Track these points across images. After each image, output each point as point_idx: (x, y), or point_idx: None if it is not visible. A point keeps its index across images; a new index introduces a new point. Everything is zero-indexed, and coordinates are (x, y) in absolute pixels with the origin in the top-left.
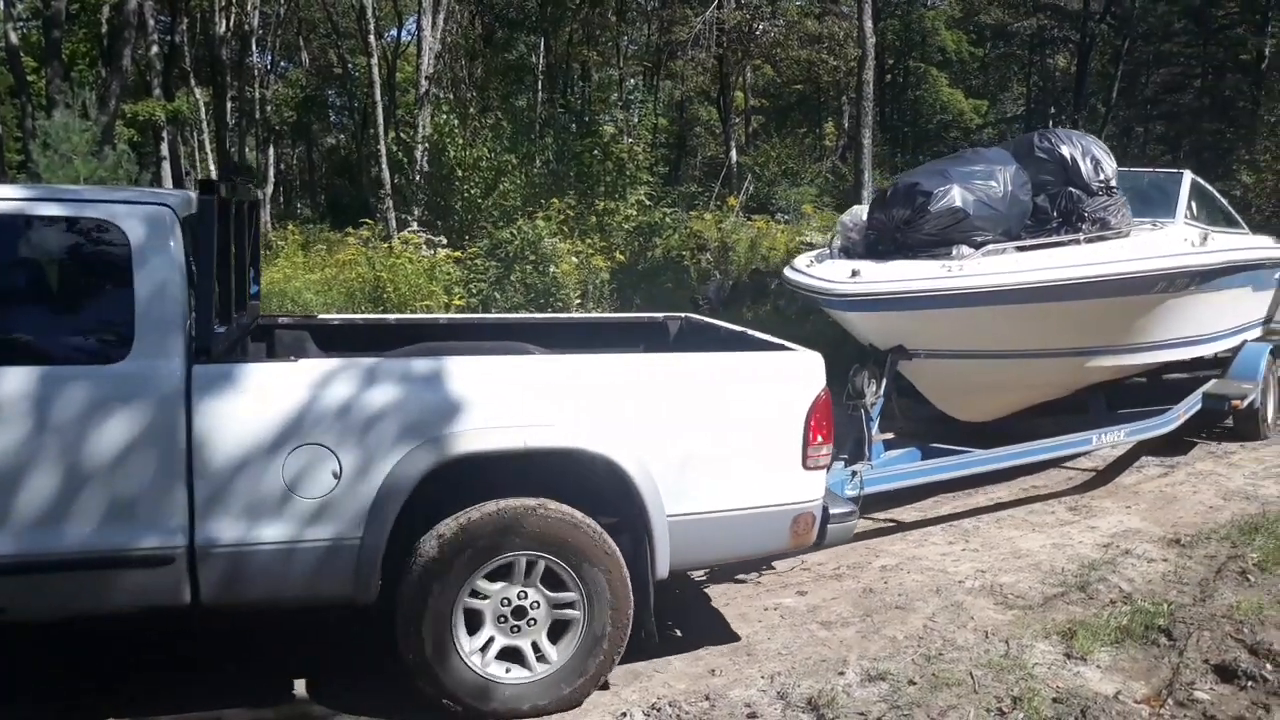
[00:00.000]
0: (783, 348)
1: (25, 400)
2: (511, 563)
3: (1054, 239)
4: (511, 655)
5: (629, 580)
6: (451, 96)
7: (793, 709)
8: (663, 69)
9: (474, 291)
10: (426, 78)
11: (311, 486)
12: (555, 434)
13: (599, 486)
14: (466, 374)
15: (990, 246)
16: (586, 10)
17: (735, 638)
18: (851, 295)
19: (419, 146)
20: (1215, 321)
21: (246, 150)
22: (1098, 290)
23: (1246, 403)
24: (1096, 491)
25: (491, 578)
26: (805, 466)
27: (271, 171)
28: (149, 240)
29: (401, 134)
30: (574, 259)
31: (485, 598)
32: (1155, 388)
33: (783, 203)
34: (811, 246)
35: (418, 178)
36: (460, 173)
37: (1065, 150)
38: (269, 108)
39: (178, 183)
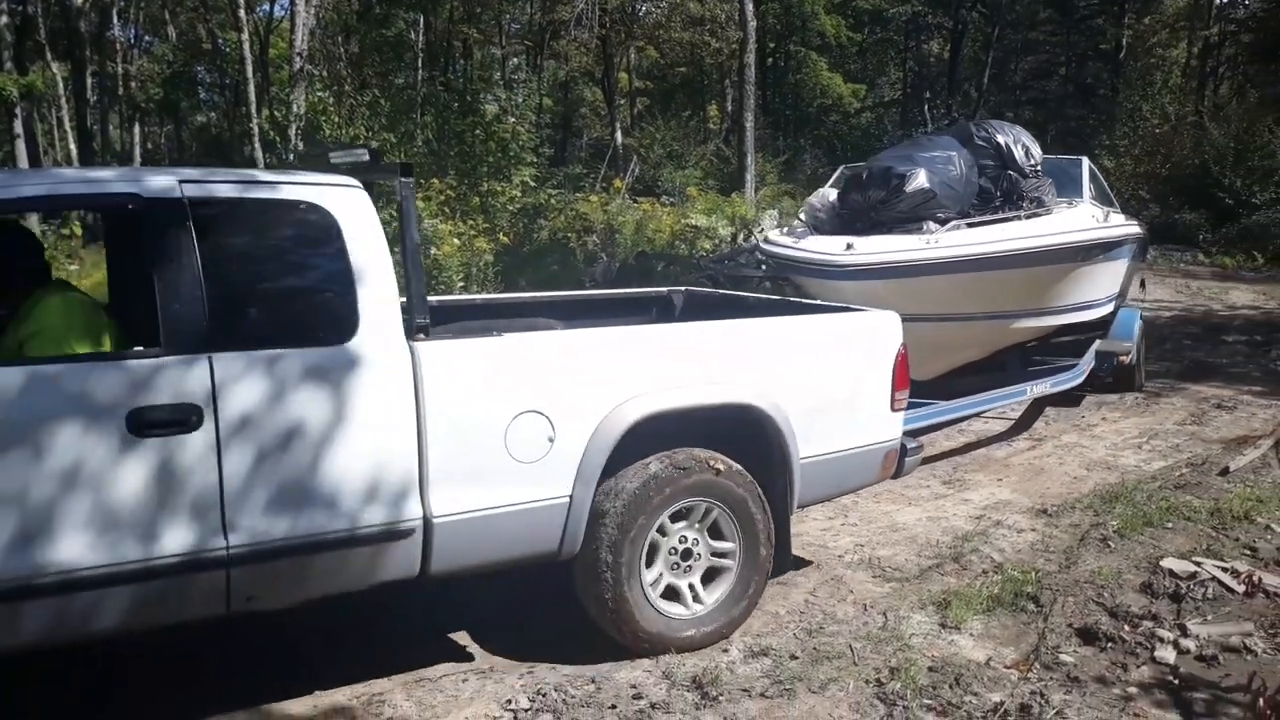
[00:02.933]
0: (858, 310)
1: (269, 384)
2: (691, 507)
3: (1000, 216)
4: (672, 594)
5: (773, 523)
6: (326, 73)
7: (678, 688)
8: (546, 48)
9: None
10: (300, 54)
11: (529, 451)
12: (728, 391)
13: (753, 436)
14: (655, 340)
15: (953, 223)
16: None
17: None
18: (849, 266)
19: (293, 125)
20: (1104, 289)
21: (110, 128)
22: (1039, 259)
23: (1130, 359)
24: (969, 465)
25: (673, 518)
26: (891, 409)
27: (137, 150)
28: (356, 220)
29: (275, 112)
30: (456, 241)
31: (664, 535)
32: (1047, 349)
33: (668, 185)
34: (696, 229)
35: (292, 157)
36: None
37: (1000, 138)
38: (133, 84)
39: (34, 163)
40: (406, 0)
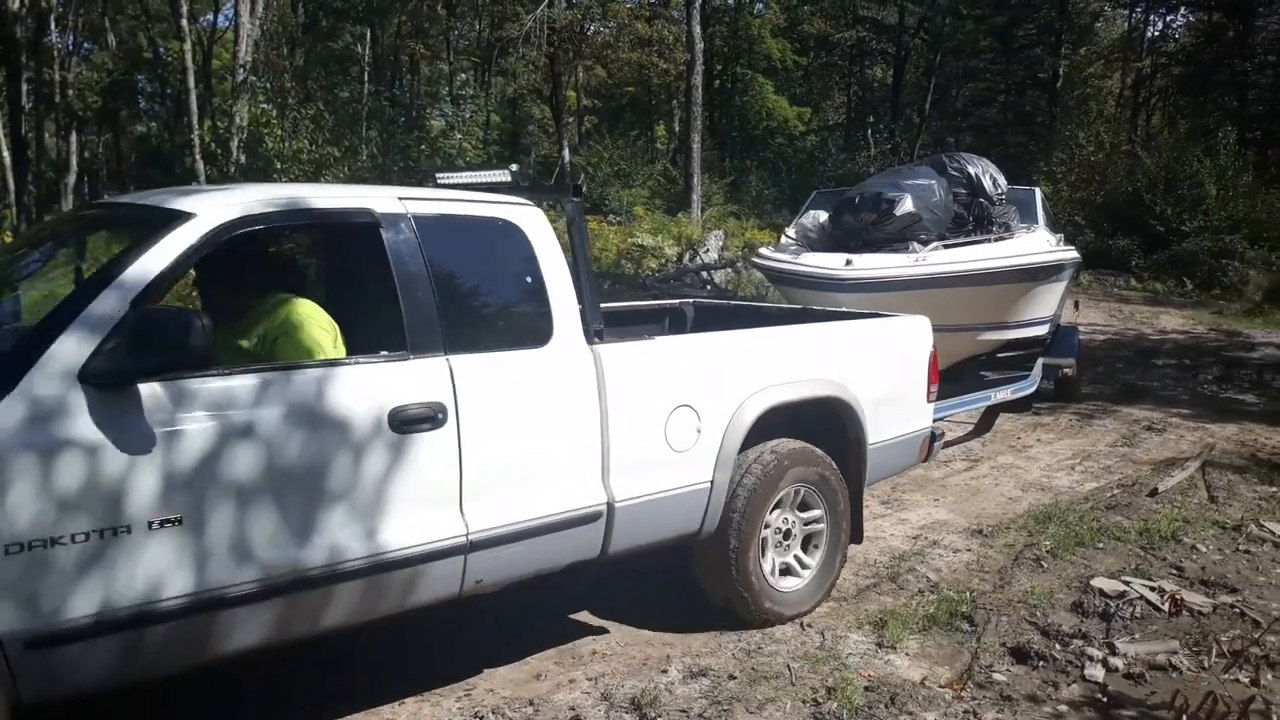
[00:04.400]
0: (893, 315)
1: (494, 383)
2: (794, 491)
3: (973, 239)
4: (777, 570)
5: (850, 502)
6: (268, 86)
7: (616, 710)
8: (494, 65)
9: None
10: (243, 65)
11: (682, 441)
12: (824, 385)
13: (836, 425)
14: (770, 341)
15: (933, 244)
16: (415, 2)
17: (561, 641)
18: (850, 279)
19: (235, 137)
20: (1050, 307)
21: (45, 136)
22: (1006, 277)
23: (1072, 371)
24: (907, 485)
25: (776, 502)
26: (927, 400)
27: (74, 160)
28: (543, 237)
29: (218, 124)
30: None
31: (767, 525)
32: (994, 364)
33: (615, 203)
34: (643, 248)
35: (233, 170)
36: (279, 165)
37: (971, 169)
38: (70, 92)
39: None
40: (354, 13)
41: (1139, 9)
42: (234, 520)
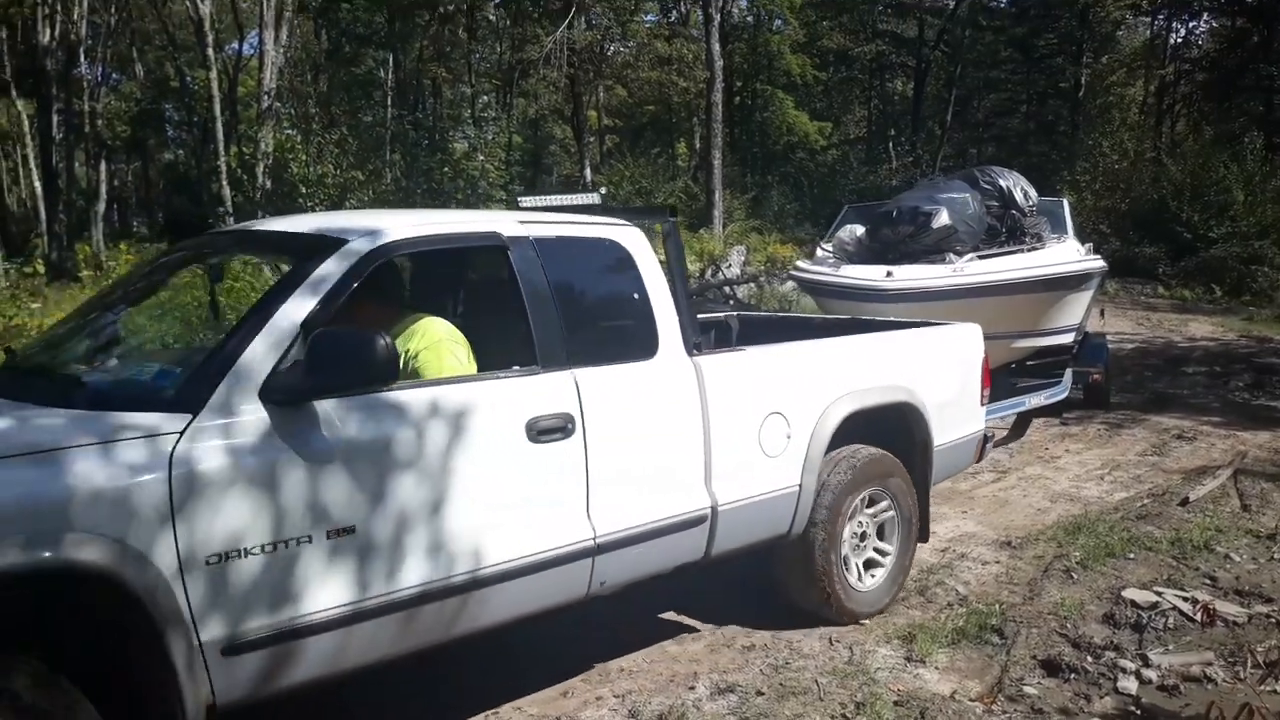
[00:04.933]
0: (947, 323)
1: (614, 395)
2: (870, 494)
3: (1007, 249)
4: (854, 569)
5: (918, 503)
6: (293, 112)
7: None
8: (515, 87)
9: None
10: (268, 92)
11: (774, 446)
12: (898, 392)
13: (906, 428)
14: (849, 350)
15: (968, 255)
16: (436, 27)
17: (588, 659)
18: (893, 290)
19: (260, 163)
20: (1079, 315)
21: (76, 165)
22: (1040, 286)
23: (1100, 378)
24: (935, 497)
25: (856, 508)
26: (981, 404)
27: (104, 188)
28: (644, 255)
29: (243, 150)
30: None
31: (846, 527)
32: (1023, 371)
33: None
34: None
35: (259, 195)
36: (304, 190)
37: (1003, 182)
38: (100, 122)
39: None
40: (376, 39)
41: (1161, 16)
42: (398, 528)
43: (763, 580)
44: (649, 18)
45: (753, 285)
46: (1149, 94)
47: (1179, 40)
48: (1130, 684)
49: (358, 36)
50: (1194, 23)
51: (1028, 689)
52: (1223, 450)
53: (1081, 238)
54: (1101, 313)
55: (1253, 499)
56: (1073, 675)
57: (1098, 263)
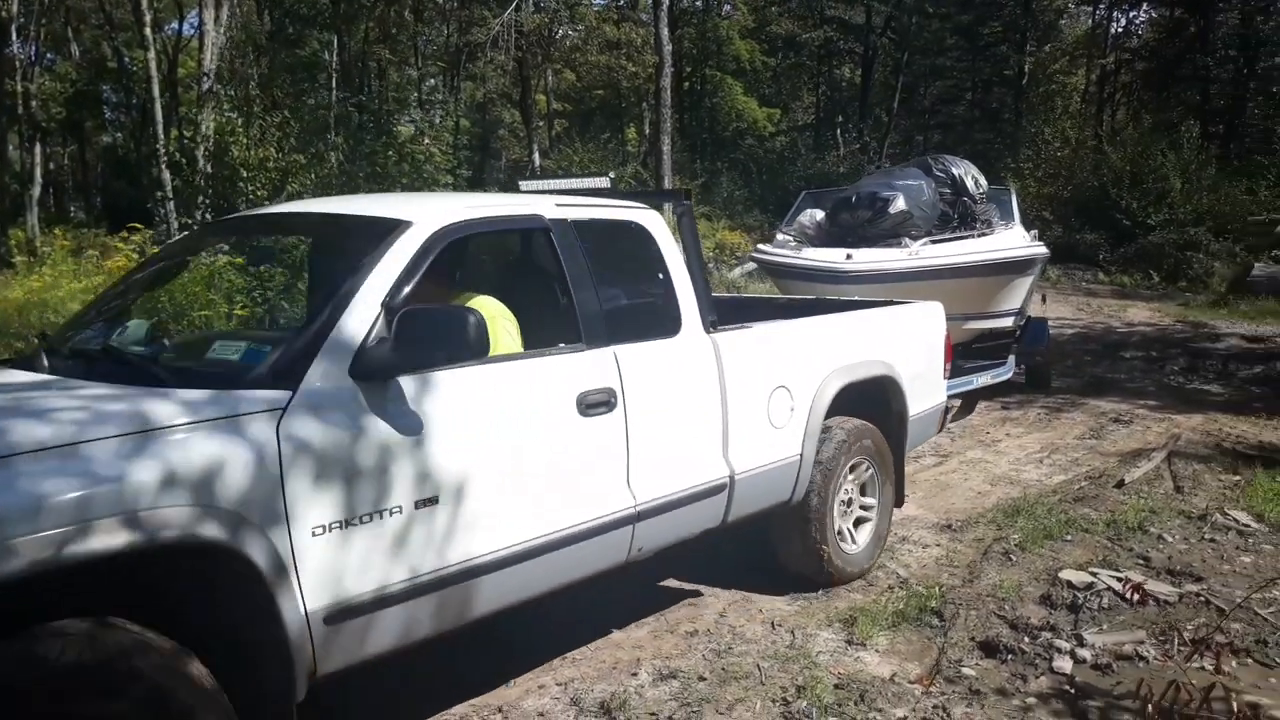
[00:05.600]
0: (911, 302)
1: (649, 370)
2: (855, 462)
3: (959, 234)
4: (843, 535)
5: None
6: (234, 94)
7: (585, 714)
8: (462, 70)
9: (259, 300)
10: (208, 73)
11: (780, 418)
12: (882, 365)
13: (885, 399)
14: (840, 327)
15: (923, 239)
16: (382, 8)
17: (532, 649)
18: (853, 272)
19: (200, 146)
20: (1022, 299)
21: (9, 148)
22: (991, 270)
23: (1044, 359)
24: None
25: (845, 475)
26: (944, 377)
27: (38, 172)
28: (665, 237)
29: (184, 132)
30: None
31: (837, 493)
32: (969, 353)
33: None
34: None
35: (199, 179)
36: (245, 174)
37: (955, 170)
38: (34, 103)
39: None
40: (320, 20)
41: (1102, 6)
42: (474, 498)
43: (757, 548)
44: (598, 1)
45: None
46: (1090, 82)
47: (1119, 30)
48: (1065, 664)
49: (301, 17)
50: (1134, 12)
51: (966, 670)
52: (1157, 433)
53: (1026, 224)
54: (1043, 297)
55: (1185, 480)
56: (1010, 656)
57: (1041, 249)
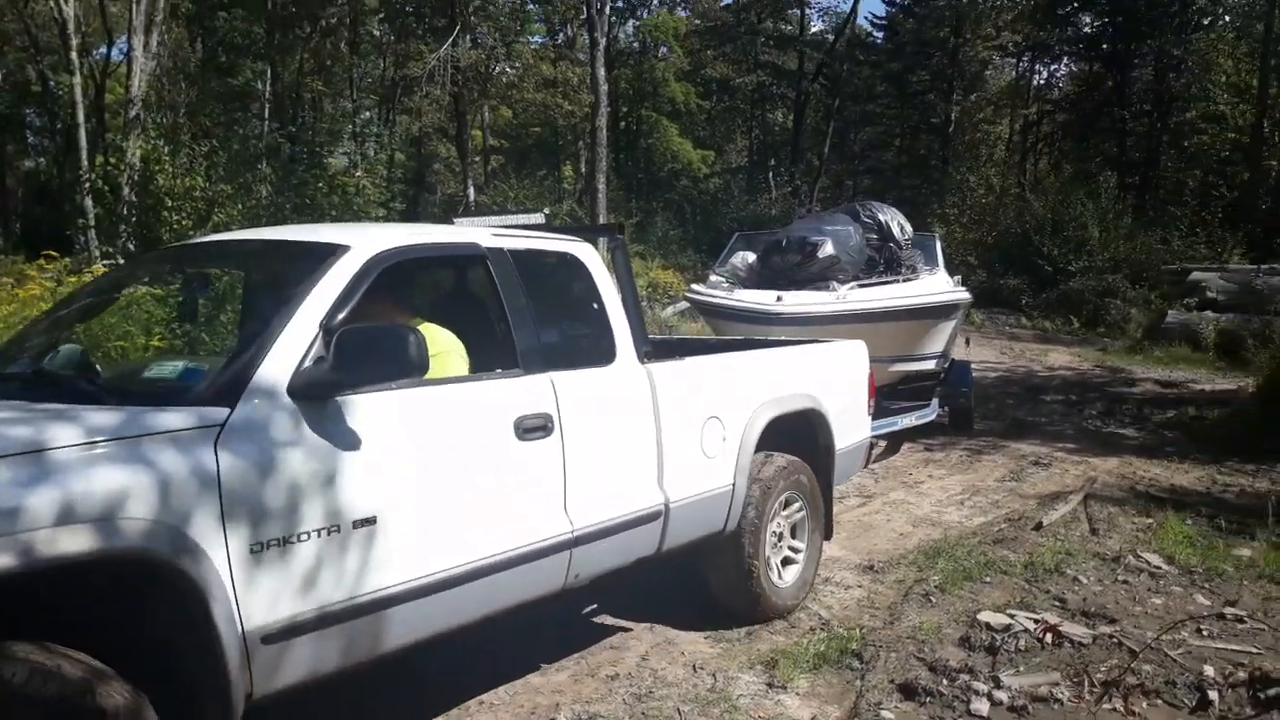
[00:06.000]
0: (835, 341)
1: (584, 397)
2: (786, 497)
3: (885, 279)
4: (773, 567)
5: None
6: (162, 121)
7: None
8: (397, 103)
9: (178, 332)
10: (134, 100)
11: (713, 448)
12: (810, 400)
13: (813, 433)
14: (771, 361)
15: (850, 283)
16: (318, 39)
17: (448, 691)
18: (782, 314)
19: (124, 174)
20: (946, 342)
21: None
22: (915, 314)
23: (967, 402)
24: None
25: (776, 509)
26: (868, 413)
27: None
28: (599, 269)
29: (110, 160)
30: None
31: (768, 527)
32: (895, 394)
33: None
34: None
35: (123, 208)
36: (170, 203)
37: (882, 217)
38: None
39: None
40: (254, 50)
41: (1025, 58)
42: (414, 519)
43: (690, 581)
44: (535, 39)
45: None
46: (1014, 131)
47: (1041, 82)
48: (983, 706)
49: (235, 46)
50: (1055, 66)
51: (885, 713)
52: (1075, 476)
53: (951, 269)
54: (967, 341)
55: (1100, 523)
56: (928, 699)
57: (964, 294)
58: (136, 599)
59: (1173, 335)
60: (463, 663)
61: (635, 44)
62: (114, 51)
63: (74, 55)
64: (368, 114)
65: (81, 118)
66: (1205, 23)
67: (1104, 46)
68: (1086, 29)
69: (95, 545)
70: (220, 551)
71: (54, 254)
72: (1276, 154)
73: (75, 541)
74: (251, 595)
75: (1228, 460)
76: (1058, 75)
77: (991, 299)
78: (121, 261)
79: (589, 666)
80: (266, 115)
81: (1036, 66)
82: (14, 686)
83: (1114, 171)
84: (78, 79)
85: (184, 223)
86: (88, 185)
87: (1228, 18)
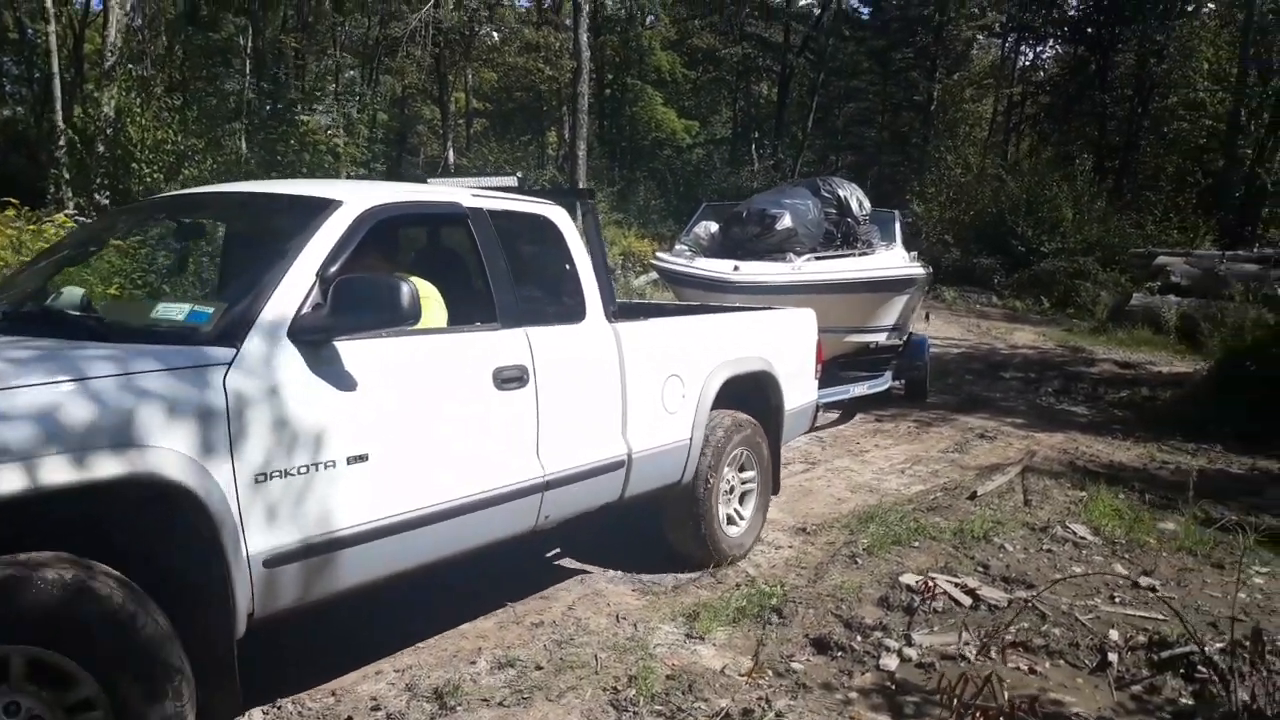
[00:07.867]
0: (786, 309)
1: (557, 351)
2: (737, 452)
3: (841, 252)
4: (726, 518)
5: (772, 459)
6: (137, 72)
7: (418, 699)
8: (379, 63)
9: (139, 283)
10: (112, 50)
11: (673, 403)
12: (763, 362)
13: (764, 393)
14: (728, 323)
15: (807, 255)
16: None
17: (371, 640)
18: (738, 282)
19: (97, 125)
20: (903, 315)
21: None
22: (870, 287)
23: (921, 374)
24: None
25: (728, 463)
26: (815, 377)
27: None
28: (571, 231)
29: (87, 111)
30: None
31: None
32: (851, 365)
33: None
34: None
35: (96, 161)
36: (139, 155)
37: (841, 192)
38: None
39: None
40: (236, 4)
41: (1011, 39)
42: (403, 458)
43: (629, 535)
44: (521, 2)
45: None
46: (998, 112)
47: (1026, 63)
48: (891, 661)
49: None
50: (1040, 47)
51: (795, 665)
52: (1018, 449)
53: (915, 246)
54: (926, 316)
55: (1035, 494)
56: (840, 653)
57: (919, 269)
58: (156, 520)
59: (1136, 318)
60: (398, 611)
61: (622, 11)
62: (93, 0)
63: (49, 3)
64: (352, 73)
65: (58, 67)
66: (1189, 9)
67: (1088, 30)
68: (1072, 11)
69: (124, 470)
70: (228, 480)
71: (13, 200)
72: (1252, 142)
73: (107, 466)
74: (255, 521)
75: (1170, 439)
76: (1043, 57)
77: (965, 277)
78: (94, 215)
79: (516, 614)
80: (247, 71)
81: (1021, 47)
82: (52, 594)
83: (1091, 155)
84: (53, 27)
85: (154, 176)
86: (61, 136)
87: (1211, 5)
